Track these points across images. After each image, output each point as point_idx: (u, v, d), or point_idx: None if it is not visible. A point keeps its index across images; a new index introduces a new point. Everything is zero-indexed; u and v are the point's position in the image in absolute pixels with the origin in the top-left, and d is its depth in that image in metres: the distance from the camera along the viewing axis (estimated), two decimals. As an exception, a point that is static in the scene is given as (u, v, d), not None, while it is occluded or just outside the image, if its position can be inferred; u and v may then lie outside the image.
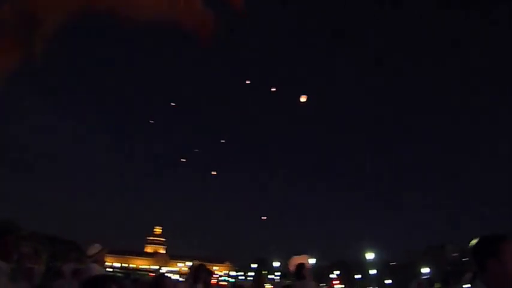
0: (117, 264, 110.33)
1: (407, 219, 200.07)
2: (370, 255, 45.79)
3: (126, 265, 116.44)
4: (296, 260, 7.19)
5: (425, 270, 47.03)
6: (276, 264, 64.47)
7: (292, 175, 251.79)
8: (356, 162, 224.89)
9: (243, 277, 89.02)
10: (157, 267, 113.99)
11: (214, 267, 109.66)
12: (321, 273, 58.74)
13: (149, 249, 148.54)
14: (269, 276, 69.49)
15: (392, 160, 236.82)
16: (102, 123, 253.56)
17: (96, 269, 4.12)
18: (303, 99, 18.59)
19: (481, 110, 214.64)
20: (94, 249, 4.84)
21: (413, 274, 53.37)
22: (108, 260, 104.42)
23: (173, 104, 69.70)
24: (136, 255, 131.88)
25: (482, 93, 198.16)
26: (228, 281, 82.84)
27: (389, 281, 61.31)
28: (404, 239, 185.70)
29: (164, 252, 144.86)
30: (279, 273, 58.80)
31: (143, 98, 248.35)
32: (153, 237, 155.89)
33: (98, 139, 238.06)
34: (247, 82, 34.43)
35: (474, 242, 2.08)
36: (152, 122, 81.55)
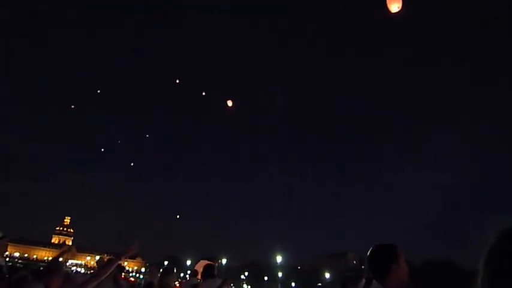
0: (18, 254, 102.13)
1: (316, 226, 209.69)
2: (279, 259, 47.52)
3: (29, 256, 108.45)
4: (203, 263, 7.72)
5: (327, 275, 50.06)
6: (189, 262, 64.38)
7: (209, 175, 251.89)
8: (270, 167, 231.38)
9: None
10: (62, 259, 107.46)
11: (125, 263, 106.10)
12: (231, 274, 59.65)
13: (56, 240, 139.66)
14: (181, 275, 69.10)
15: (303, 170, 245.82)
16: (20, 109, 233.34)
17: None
18: (229, 103, 18.98)
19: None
20: (-7, 236, 4.65)
21: (316, 278, 56.61)
22: (8, 250, 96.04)
23: (98, 91, 66.24)
24: (42, 246, 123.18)
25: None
26: (138, 277, 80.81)
27: (294, 284, 63.72)
28: (312, 245, 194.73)
29: (71, 244, 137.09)
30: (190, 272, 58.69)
31: (66, 81, 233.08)
32: (62, 227, 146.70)
33: (11, 120, 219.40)
34: (177, 82, 34.26)
35: (373, 250, 2.24)
36: (73, 107, 76.76)
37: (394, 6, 7.01)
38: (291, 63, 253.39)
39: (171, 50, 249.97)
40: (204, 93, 30.78)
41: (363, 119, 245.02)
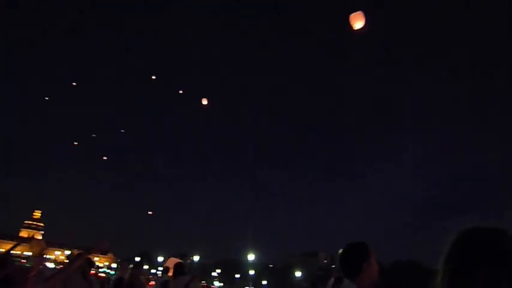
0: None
1: (288, 225, 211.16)
2: (251, 257, 47.75)
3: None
4: (172, 261, 7.86)
5: (298, 274, 50.59)
6: (161, 259, 63.95)
7: (183, 173, 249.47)
8: (245, 165, 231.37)
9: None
10: (31, 253, 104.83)
11: (95, 258, 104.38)
12: (200, 271, 59.71)
13: (25, 233, 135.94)
14: (152, 271, 68.55)
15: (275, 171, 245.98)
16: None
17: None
18: (204, 101, 19.11)
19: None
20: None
21: (288, 277, 57.37)
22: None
23: (74, 83, 64.70)
24: (9, 239, 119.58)
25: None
26: (108, 273, 79.59)
27: (266, 282, 64.15)
28: (284, 243, 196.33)
29: (41, 238, 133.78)
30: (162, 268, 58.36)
31: (40, 73, 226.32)
32: (31, 221, 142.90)
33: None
34: (153, 78, 34.18)
35: (346, 249, 2.26)
36: (47, 98, 74.78)
37: (358, 24, 7.61)
38: (272, 62, 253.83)
39: (154, 48, 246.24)
40: (181, 92, 30.66)
41: (339, 120, 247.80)
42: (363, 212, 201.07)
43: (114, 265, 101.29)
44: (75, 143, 67.24)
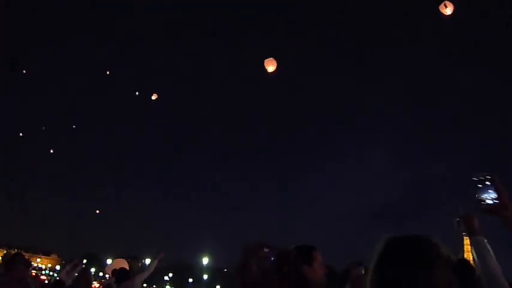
0: None
1: (243, 229, 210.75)
2: (205, 260, 47.34)
3: None
4: (119, 262, 7.42)
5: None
6: (110, 261, 61.63)
7: (136, 172, 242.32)
8: (196, 166, 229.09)
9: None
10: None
11: (38, 259, 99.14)
12: (154, 274, 58.23)
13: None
14: (100, 274, 65.94)
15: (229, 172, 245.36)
16: None
17: None
18: (154, 97, 18.86)
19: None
20: None
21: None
22: None
23: (24, 71, 60.76)
24: None
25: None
26: (51, 275, 75.85)
27: (219, 287, 63.98)
28: (239, 247, 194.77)
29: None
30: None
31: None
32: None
33: None
34: (107, 73, 33.14)
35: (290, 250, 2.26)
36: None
37: (270, 68, 8.69)
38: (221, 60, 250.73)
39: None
40: (137, 93, 29.76)
41: (288, 117, 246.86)
42: (323, 217, 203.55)
43: (58, 267, 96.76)
44: (21, 134, 63.09)
